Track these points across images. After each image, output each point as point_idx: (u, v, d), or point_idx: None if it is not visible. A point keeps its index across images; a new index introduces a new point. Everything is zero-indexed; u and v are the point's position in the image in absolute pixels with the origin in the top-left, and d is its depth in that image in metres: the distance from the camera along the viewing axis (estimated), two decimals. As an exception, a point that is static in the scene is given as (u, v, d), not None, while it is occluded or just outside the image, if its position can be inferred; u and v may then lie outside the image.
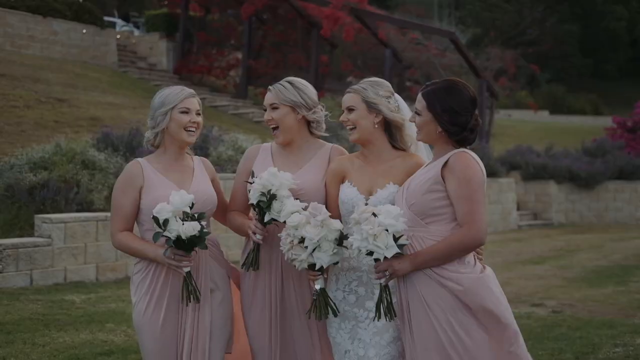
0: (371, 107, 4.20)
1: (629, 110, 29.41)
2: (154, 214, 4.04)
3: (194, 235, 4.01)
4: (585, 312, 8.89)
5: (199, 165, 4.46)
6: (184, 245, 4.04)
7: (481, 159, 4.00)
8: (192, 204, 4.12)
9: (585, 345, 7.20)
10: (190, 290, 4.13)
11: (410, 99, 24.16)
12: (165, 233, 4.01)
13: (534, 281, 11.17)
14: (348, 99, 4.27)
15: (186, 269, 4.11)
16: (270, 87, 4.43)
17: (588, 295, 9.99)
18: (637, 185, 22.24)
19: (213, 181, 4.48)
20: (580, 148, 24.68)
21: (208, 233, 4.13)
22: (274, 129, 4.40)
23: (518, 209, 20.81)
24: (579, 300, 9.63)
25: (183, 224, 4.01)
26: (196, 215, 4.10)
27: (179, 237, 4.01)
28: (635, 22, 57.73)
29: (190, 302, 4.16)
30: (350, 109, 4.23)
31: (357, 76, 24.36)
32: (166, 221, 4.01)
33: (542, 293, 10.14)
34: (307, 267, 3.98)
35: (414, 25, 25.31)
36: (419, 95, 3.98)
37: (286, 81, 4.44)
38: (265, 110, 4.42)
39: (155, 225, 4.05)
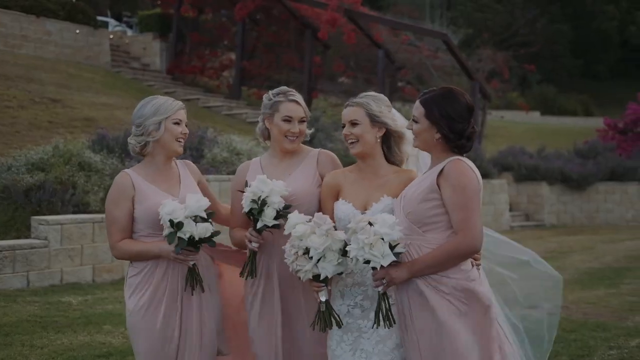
0: (375, 120, 4.23)
1: (619, 111, 29.56)
2: (169, 217, 4.15)
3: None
4: (579, 314, 8.96)
5: (184, 170, 4.56)
6: (194, 244, 4.17)
7: (473, 161, 4.04)
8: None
9: (581, 348, 7.27)
10: (195, 280, 4.27)
11: (402, 100, 24.10)
12: (180, 234, 4.13)
13: (527, 281, 11.21)
14: (351, 112, 4.28)
15: (192, 262, 4.24)
16: (297, 100, 4.48)
17: (581, 297, 10.07)
18: (627, 186, 22.37)
19: (200, 183, 4.58)
20: (572, 149, 24.79)
21: (218, 232, 4.25)
22: (295, 139, 4.47)
23: (510, 210, 20.91)
24: (572, 302, 9.69)
25: (196, 225, 4.15)
26: (206, 214, 4.22)
27: (191, 237, 4.14)
28: (626, 22, 57.95)
29: (194, 289, 4.28)
30: (354, 123, 4.25)
31: (350, 77, 24.44)
32: (180, 224, 4.14)
33: (536, 295, 10.18)
34: (311, 277, 4.01)
35: (407, 27, 25.37)
36: (417, 103, 4.02)
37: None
38: (289, 120, 4.44)
39: (168, 225, 4.16)
